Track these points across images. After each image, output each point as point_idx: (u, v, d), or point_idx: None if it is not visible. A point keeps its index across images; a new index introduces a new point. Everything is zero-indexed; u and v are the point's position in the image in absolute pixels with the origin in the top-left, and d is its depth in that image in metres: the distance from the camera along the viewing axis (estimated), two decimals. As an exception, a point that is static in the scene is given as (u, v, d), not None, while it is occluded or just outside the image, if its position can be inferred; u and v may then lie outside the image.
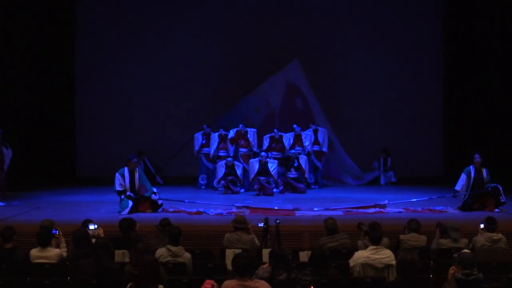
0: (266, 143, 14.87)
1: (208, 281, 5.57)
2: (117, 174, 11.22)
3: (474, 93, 15.79)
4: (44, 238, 7.06)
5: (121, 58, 16.67)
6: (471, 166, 11.34)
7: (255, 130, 14.96)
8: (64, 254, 7.14)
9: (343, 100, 16.03)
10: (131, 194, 11.12)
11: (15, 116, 14.79)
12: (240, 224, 7.76)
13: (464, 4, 16.02)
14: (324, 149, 15.20)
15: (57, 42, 16.17)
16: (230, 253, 7.13)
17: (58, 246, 7.32)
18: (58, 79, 16.23)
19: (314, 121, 15.58)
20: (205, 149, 15.16)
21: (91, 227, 7.47)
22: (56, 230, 7.43)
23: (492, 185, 11.18)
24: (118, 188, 11.21)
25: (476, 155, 11.30)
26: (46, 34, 15.74)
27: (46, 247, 7.03)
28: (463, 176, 11.36)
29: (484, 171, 11.32)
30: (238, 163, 14.46)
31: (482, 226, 8.03)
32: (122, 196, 11.15)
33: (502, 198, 11.08)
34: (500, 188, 11.10)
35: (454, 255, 6.06)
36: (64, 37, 16.47)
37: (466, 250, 6.36)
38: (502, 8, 15.01)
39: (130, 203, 11.03)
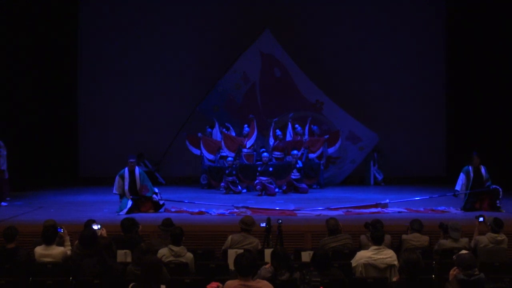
0: (272, 140, 14.89)
1: (213, 283, 5.58)
2: (117, 176, 11.27)
3: (476, 92, 15.80)
4: (50, 235, 7.09)
5: (123, 59, 16.73)
6: (469, 166, 11.35)
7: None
8: (69, 252, 7.16)
9: (343, 101, 16.00)
10: (130, 200, 11.11)
11: (18, 117, 14.82)
12: (246, 226, 7.74)
13: (467, 4, 16.02)
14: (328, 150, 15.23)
15: (60, 44, 16.21)
16: (232, 253, 7.14)
17: (62, 245, 7.34)
18: (61, 80, 16.26)
19: (298, 89, 15.55)
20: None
21: (94, 227, 7.48)
22: (61, 228, 7.46)
23: (493, 186, 11.16)
24: (115, 191, 11.29)
25: (474, 155, 11.30)
26: (49, 35, 15.78)
27: (51, 245, 7.06)
28: (462, 176, 11.39)
29: (483, 169, 11.32)
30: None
31: (481, 219, 8.06)
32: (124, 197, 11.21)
33: (498, 203, 11.05)
34: (500, 192, 11.07)
35: (454, 256, 6.06)
36: (67, 39, 16.51)
37: (464, 251, 6.36)
38: (505, 8, 15.00)
39: (130, 203, 11.06)
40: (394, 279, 6.31)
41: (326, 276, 6.00)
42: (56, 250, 7.05)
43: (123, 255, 7.23)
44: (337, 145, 15.10)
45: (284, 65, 15.75)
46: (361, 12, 16.80)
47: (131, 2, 16.93)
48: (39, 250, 7.05)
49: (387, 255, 6.71)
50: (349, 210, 11.11)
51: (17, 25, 14.76)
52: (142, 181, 11.30)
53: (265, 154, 14.15)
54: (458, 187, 11.38)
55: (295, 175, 14.23)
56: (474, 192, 11.23)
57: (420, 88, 16.85)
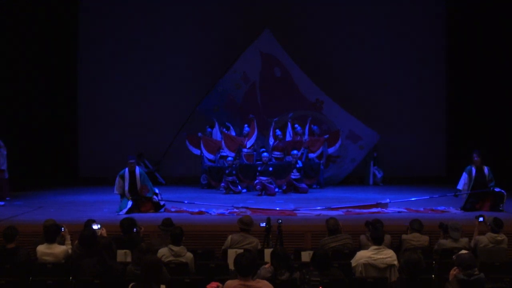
0: (272, 140, 14.92)
1: (213, 282, 5.58)
2: (117, 177, 11.27)
3: (476, 92, 15.79)
4: (52, 233, 7.10)
5: (122, 59, 16.74)
6: (472, 165, 11.33)
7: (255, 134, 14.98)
8: (70, 251, 7.18)
9: (343, 100, 15.99)
10: (130, 201, 11.11)
11: (18, 117, 14.82)
12: (244, 225, 7.73)
13: (467, 4, 16.02)
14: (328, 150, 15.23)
15: (60, 45, 16.21)
16: (232, 253, 7.14)
17: (63, 244, 7.35)
18: (61, 80, 16.27)
19: (298, 88, 15.55)
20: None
21: (94, 227, 7.49)
22: (62, 227, 7.47)
23: (497, 189, 11.11)
24: (115, 191, 11.30)
25: (474, 154, 11.28)
26: (49, 35, 15.78)
27: (53, 243, 7.06)
28: (464, 175, 11.34)
29: (486, 169, 11.28)
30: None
31: (481, 219, 8.06)
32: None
33: (501, 207, 10.98)
34: (504, 195, 11.02)
35: (453, 256, 6.06)
36: (67, 39, 16.52)
37: (463, 251, 6.36)
38: (505, 8, 15.01)
39: (130, 203, 11.06)
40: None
41: (326, 276, 5.99)
42: (58, 249, 7.08)
43: (123, 255, 7.23)
44: (337, 145, 15.11)
45: (284, 65, 15.76)
46: (361, 12, 16.81)
47: (131, 2, 16.94)
48: (41, 248, 7.06)
49: (387, 255, 6.71)
50: (349, 210, 11.11)
51: (17, 26, 14.76)
52: (143, 181, 11.29)
53: (265, 154, 14.15)
54: (460, 186, 11.34)
55: (295, 175, 14.23)
56: (475, 193, 11.22)
57: (420, 88, 16.85)
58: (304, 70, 15.72)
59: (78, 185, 15.64)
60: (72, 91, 16.82)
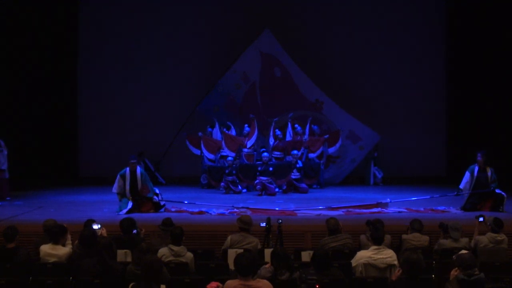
0: (272, 140, 14.92)
1: (213, 282, 5.58)
2: (118, 175, 11.25)
3: (477, 92, 15.79)
4: (58, 234, 7.10)
5: (122, 59, 16.73)
6: (476, 165, 11.32)
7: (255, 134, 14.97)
8: (71, 251, 7.17)
9: (343, 100, 16.00)
10: (131, 202, 11.11)
11: (19, 117, 14.83)
12: (244, 225, 7.73)
13: (467, 4, 16.02)
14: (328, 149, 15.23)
15: (60, 44, 16.21)
16: (232, 253, 7.14)
17: (64, 243, 7.35)
18: (60, 80, 16.26)
19: (298, 89, 15.55)
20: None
21: (94, 226, 7.49)
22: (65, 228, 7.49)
23: (498, 191, 11.09)
24: (114, 190, 11.27)
25: (478, 154, 11.27)
26: (49, 36, 15.77)
27: (58, 244, 7.07)
28: (467, 175, 11.31)
29: (489, 171, 11.24)
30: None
31: (481, 219, 8.06)
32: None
33: (501, 208, 10.94)
34: (505, 198, 11.00)
35: (453, 256, 6.06)
36: (67, 39, 16.51)
37: (464, 251, 6.36)
38: (506, 8, 15.01)
39: (130, 203, 11.05)
40: (396, 272, 6.27)
41: (326, 276, 6.00)
42: (63, 251, 7.07)
43: (123, 255, 7.23)
44: (338, 145, 15.11)
45: (284, 65, 15.75)
46: (361, 12, 16.81)
47: (131, 2, 16.94)
48: (45, 248, 7.04)
49: (387, 255, 6.71)
50: (350, 210, 11.10)
51: (16, 26, 14.76)
52: (144, 181, 11.27)
53: (265, 154, 14.15)
54: (462, 186, 11.32)
55: (295, 175, 14.22)
56: (476, 193, 11.20)
57: (420, 88, 16.84)
58: (304, 70, 15.71)
59: (78, 185, 15.64)
60: (72, 91, 16.82)
